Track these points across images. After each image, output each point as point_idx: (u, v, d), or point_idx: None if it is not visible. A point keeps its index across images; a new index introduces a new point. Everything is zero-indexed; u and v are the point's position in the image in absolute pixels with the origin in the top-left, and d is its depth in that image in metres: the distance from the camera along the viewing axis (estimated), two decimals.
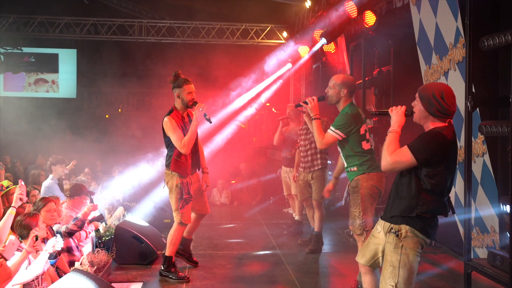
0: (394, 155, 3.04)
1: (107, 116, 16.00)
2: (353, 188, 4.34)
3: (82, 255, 4.78)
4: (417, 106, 3.17)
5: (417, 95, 3.19)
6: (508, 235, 3.84)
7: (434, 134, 3.06)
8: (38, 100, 14.60)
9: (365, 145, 4.38)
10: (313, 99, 4.51)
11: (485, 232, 5.20)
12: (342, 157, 4.47)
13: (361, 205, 4.26)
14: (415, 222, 3.10)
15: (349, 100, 4.54)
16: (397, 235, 3.11)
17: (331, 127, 4.34)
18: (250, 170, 11.19)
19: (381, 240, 3.27)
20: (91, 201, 5.04)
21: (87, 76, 14.75)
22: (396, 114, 3.20)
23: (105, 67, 13.78)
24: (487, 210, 5.09)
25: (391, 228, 3.14)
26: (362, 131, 4.39)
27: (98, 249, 5.03)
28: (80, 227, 4.86)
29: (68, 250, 4.82)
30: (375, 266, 3.42)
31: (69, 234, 4.81)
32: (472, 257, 5.10)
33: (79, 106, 15.42)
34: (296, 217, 7.45)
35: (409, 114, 3.20)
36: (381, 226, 3.28)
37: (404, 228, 3.11)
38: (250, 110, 11.66)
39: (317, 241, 6.35)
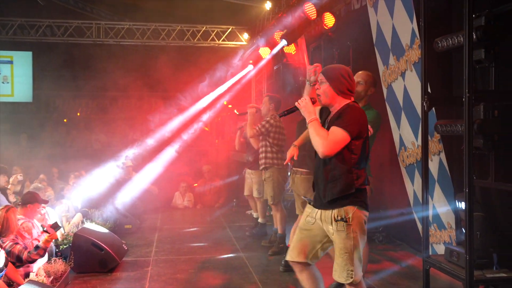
0: (330, 139, 3.12)
1: (65, 120, 15.59)
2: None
3: (37, 265, 4.61)
4: (324, 87, 3.30)
5: (321, 77, 3.32)
6: (464, 231, 3.93)
7: (355, 108, 3.25)
8: None
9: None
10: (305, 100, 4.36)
11: (442, 229, 5.32)
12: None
13: None
14: (357, 198, 3.20)
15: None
16: (346, 221, 3.16)
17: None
18: (213, 172, 11.12)
19: (317, 231, 3.29)
20: (56, 228, 4.80)
21: (43, 79, 14.32)
22: (305, 105, 3.29)
23: (62, 70, 13.42)
24: (444, 207, 5.21)
25: (337, 216, 3.17)
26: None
27: (54, 258, 4.86)
28: (42, 256, 4.68)
29: (21, 261, 4.63)
30: (314, 260, 3.41)
31: (30, 262, 4.60)
32: (430, 253, 5.23)
33: (35, 110, 14.96)
34: (260, 220, 7.43)
35: (314, 101, 3.35)
36: (315, 217, 3.29)
37: (351, 210, 3.18)
38: (212, 112, 11.60)
39: (280, 243, 6.35)
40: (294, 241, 3.47)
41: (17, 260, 4.50)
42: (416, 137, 5.52)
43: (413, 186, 5.77)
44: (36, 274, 4.23)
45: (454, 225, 5.02)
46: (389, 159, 6.75)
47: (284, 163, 5.23)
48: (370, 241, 6.71)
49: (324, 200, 3.23)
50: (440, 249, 5.35)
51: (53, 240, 5.30)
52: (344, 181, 3.17)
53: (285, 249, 6.34)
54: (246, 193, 7.74)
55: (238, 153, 12.56)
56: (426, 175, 4.39)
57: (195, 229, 8.15)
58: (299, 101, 3.33)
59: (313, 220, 3.30)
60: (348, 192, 3.17)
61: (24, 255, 4.51)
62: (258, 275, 5.40)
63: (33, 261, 4.59)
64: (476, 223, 3.82)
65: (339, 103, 3.31)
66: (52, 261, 4.78)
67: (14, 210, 4.71)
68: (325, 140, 3.11)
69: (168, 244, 6.87)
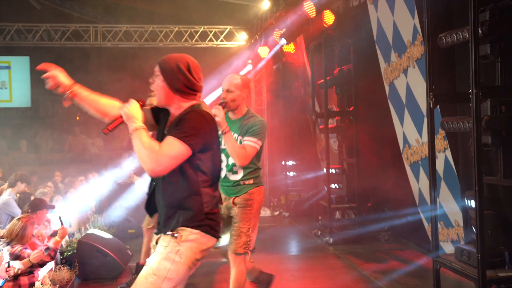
0: (161, 151, 2.36)
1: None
2: (245, 201, 3.81)
3: (42, 274, 4.55)
4: (157, 83, 2.57)
5: (156, 69, 2.58)
6: (474, 230, 3.88)
7: (200, 113, 2.50)
8: None
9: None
10: (219, 109, 3.69)
11: (450, 227, 5.27)
12: (239, 169, 3.83)
13: (253, 221, 3.81)
14: (203, 222, 2.51)
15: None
16: (176, 237, 2.49)
17: (249, 137, 3.73)
18: None
19: None
20: (61, 224, 4.74)
21: (41, 84, 14.24)
22: (127, 111, 2.48)
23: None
24: (450, 205, 5.16)
25: (169, 231, 2.49)
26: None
27: (59, 266, 4.80)
28: (53, 257, 4.62)
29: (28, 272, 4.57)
30: None
31: (41, 265, 4.55)
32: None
33: (34, 115, 14.91)
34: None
35: (143, 104, 2.58)
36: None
37: (189, 232, 2.48)
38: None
39: None
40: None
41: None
42: (420, 134, 5.47)
43: (418, 184, 5.72)
44: (42, 283, 4.18)
45: (461, 223, 4.97)
46: (392, 157, 6.70)
47: None
48: (376, 240, 6.67)
49: (166, 230, 2.50)
50: (448, 247, 5.30)
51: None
52: (190, 206, 2.48)
53: None
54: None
55: None
56: (434, 174, 4.34)
57: None
58: (125, 105, 2.52)
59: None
60: (197, 221, 2.48)
61: (33, 258, 4.46)
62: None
63: (44, 263, 4.54)
64: (486, 221, 3.76)
65: (178, 104, 2.58)
66: (57, 269, 4.73)
67: (33, 221, 4.64)
68: (153, 153, 2.34)
69: None
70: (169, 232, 2.47)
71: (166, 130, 2.62)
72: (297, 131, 9.75)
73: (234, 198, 3.84)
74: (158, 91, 2.57)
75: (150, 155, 2.34)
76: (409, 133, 5.74)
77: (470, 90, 3.62)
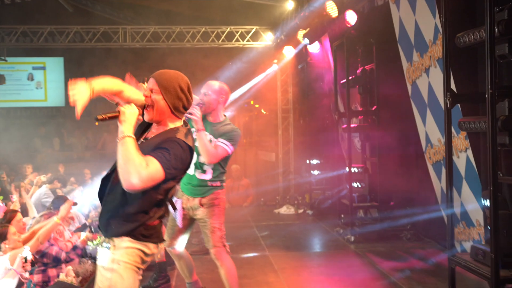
0: (149, 170, 2.30)
1: (96, 123, 15.96)
2: (212, 200, 3.97)
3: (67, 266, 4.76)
4: (157, 99, 2.51)
5: (155, 85, 2.52)
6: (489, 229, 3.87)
7: (180, 143, 2.44)
8: (27, 109, 14.57)
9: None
10: (197, 109, 3.85)
11: (471, 226, 5.23)
12: (209, 168, 3.97)
13: (221, 216, 3.99)
14: (137, 231, 2.50)
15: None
16: (109, 248, 2.53)
17: (222, 140, 3.89)
18: (241, 171, 11.19)
19: None
20: (90, 231, 4.94)
21: None
22: (130, 114, 2.43)
23: (93, 74, 13.71)
24: (472, 204, 5.13)
25: (103, 244, 2.56)
26: None
27: (84, 259, 5.01)
28: (80, 255, 4.83)
29: (58, 261, 4.78)
30: None
31: (67, 261, 4.76)
32: (459, 251, 5.15)
33: (67, 114, 15.38)
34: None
35: (140, 113, 2.52)
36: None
37: (120, 240, 2.51)
38: (237, 111, 11.68)
39: None
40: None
41: (53, 261, 4.65)
42: (442, 134, 5.45)
43: (440, 184, 5.70)
44: (66, 275, 4.37)
45: (483, 222, 4.94)
46: (415, 156, 6.68)
47: None
48: (398, 239, 6.67)
49: (105, 234, 2.54)
50: (469, 247, 5.27)
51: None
52: (136, 221, 2.48)
53: None
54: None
55: (267, 152, 12.65)
56: (451, 173, 4.33)
57: None
58: (127, 106, 2.47)
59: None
60: (131, 230, 2.48)
61: (63, 256, 4.67)
62: (283, 274, 5.43)
63: (71, 260, 4.74)
64: (503, 221, 3.75)
65: (165, 122, 2.57)
66: (81, 261, 4.93)
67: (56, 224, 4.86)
68: (141, 169, 2.28)
69: (193, 244, 6.96)
70: (105, 245, 2.51)
71: (142, 139, 2.61)
72: (322, 130, 9.79)
73: (201, 199, 3.98)
74: (159, 108, 2.52)
75: (137, 170, 2.27)
76: (432, 133, 5.73)
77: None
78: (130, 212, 2.47)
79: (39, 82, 14.73)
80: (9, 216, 4.58)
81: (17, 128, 13.01)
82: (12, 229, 4.18)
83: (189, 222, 4.11)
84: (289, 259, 6.08)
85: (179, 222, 3.96)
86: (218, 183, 4.02)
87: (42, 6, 10.94)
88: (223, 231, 4.01)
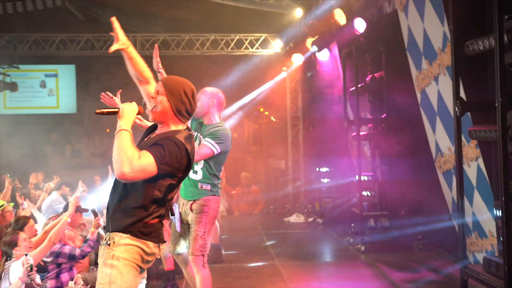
0: (140, 162, 2.47)
1: (107, 130, 16.07)
2: (201, 206, 3.98)
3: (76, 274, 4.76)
4: (162, 100, 2.70)
5: (161, 87, 2.71)
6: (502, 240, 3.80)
7: (177, 143, 2.59)
8: (39, 116, 14.69)
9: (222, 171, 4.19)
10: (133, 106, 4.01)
11: (484, 237, 5.15)
12: (199, 169, 4.03)
13: (208, 225, 3.95)
14: (135, 228, 2.63)
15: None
16: (109, 245, 2.64)
17: (208, 139, 3.96)
18: (251, 179, 11.17)
19: None
20: (95, 215, 4.91)
21: (86, 91, 14.81)
22: (129, 110, 2.61)
23: (104, 81, 13.83)
24: (484, 215, 5.05)
25: (104, 240, 2.68)
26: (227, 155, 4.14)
27: (92, 266, 5.00)
28: (93, 248, 4.82)
29: (74, 258, 4.76)
30: None
31: (83, 256, 4.76)
32: (472, 262, 5.07)
33: (79, 121, 15.50)
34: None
35: (140, 112, 2.70)
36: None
37: (119, 236, 2.63)
38: (242, 117, 11.68)
39: None
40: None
41: (69, 259, 4.63)
42: (453, 143, 5.38)
43: (451, 193, 5.62)
44: (75, 282, 4.37)
45: (495, 233, 4.86)
46: (425, 165, 6.61)
47: None
48: (409, 249, 6.58)
49: (107, 228, 2.69)
50: (481, 258, 5.18)
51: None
52: (134, 216, 2.61)
53: None
54: None
55: (276, 160, 12.63)
56: (461, 182, 4.28)
57: (231, 236, 8.18)
58: (126, 103, 2.66)
59: None
60: (130, 227, 2.61)
61: (77, 252, 4.65)
62: (292, 284, 5.38)
63: (86, 254, 4.72)
64: None
65: (168, 124, 2.75)
66: (90, 269, 4.93)
67: (66, 222, 4.87)
68: (133, 160, 2.44)
69: None
70: (104, 242, 2.63)
71: (146, 139, 2.79)
72: (331, 138, 9.74)
73: (192, 204, 4.01)
74: (163, 109, 2.69)
75: (129, 160, 2.43)
76: (442, 141, 5.66)
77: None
78: (129, 206, 2.62)
79: (51, 89, 14.86)
80: (22, 222, 4.59)
81: (26, 135, 13.11)
82: (22, 235, 4.18)
83: (188, 226, 4.09)
84: (299, 269, 6.03)
85: (178, 227, 4.02)
86: (208, 187, 4.01)
87: (54, 15, 11.05)
88: (206, 241, 3.94)
